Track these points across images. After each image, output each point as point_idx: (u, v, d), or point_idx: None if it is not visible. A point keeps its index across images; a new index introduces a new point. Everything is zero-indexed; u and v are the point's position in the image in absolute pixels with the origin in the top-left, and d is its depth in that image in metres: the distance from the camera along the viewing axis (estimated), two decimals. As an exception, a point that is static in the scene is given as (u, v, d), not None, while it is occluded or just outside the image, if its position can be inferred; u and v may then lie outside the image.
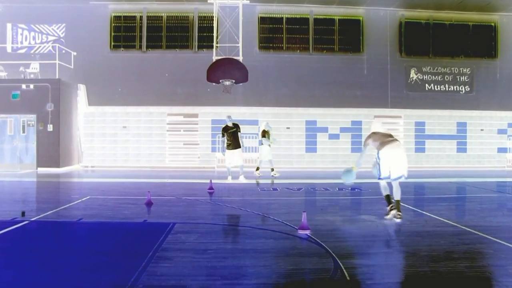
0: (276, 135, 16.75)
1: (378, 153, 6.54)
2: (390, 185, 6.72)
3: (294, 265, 4.45)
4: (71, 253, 4.80)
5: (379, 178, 6.61)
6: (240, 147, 11.88)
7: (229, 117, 12.21)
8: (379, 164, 6.52)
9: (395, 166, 6.42)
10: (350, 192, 10.38)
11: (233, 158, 11.90)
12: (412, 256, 4.75)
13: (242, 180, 11.83)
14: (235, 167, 12.11)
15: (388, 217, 6.58)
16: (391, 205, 6.61)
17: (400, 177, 6.47)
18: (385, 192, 6.79)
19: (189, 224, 6.32)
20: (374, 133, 6.86)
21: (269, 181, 12.37)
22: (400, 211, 6.49)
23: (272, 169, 13.49)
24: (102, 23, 17.17)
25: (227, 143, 11.96)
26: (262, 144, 13.64)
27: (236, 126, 11.96)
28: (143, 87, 16.94)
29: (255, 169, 13.61)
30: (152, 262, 4.39)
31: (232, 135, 11.85)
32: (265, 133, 13.43)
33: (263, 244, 5.16)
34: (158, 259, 4.48)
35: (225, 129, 12.02)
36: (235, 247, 5.07)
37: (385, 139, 6.59)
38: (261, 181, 12.58)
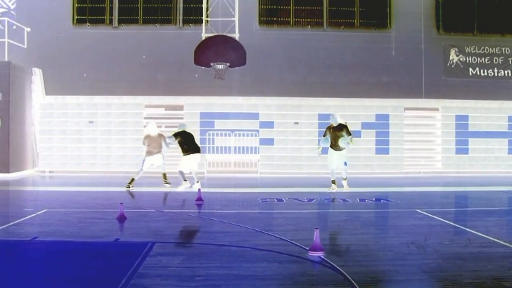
0: (282, 132, 16.76)
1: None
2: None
3: (303, 295, 4.44)
4: (23, 280, 4.78)
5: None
6: (199, 151, 12.79)
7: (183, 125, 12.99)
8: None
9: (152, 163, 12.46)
10: (374, 204, 10.37)
11: (189, 164, 12.48)
12: (452, 284, 4.74)
13: (197, 186, 12.33)
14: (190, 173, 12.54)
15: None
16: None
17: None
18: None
19: (172, 244, 6.32)
20: (148, 136, 12.14)
21: (276, 190, 12.38)
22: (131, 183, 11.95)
23: (333, 181, 12.28)
24: (63, -8, 17.16)
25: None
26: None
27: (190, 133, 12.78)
28: (114, 72, 16.93)
29: (333, 182, 12.30)
30: (125, 291, 4.37)
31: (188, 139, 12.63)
32: (326, 132, 12.24)
33: (265, 268, 5.16)
34: (133, 288, 4.47)
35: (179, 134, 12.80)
36: (230, 272, 5.07)
37: (151, 148, 12.35)
38: (263, 190, 12.58)
